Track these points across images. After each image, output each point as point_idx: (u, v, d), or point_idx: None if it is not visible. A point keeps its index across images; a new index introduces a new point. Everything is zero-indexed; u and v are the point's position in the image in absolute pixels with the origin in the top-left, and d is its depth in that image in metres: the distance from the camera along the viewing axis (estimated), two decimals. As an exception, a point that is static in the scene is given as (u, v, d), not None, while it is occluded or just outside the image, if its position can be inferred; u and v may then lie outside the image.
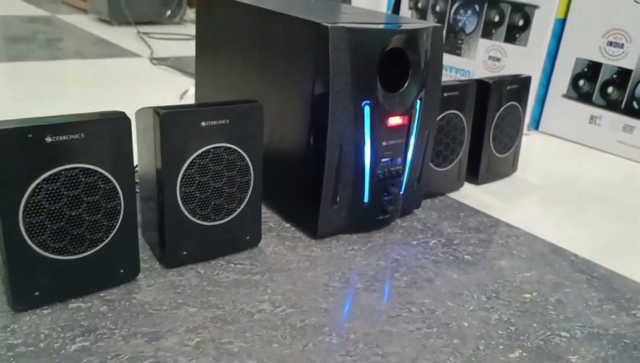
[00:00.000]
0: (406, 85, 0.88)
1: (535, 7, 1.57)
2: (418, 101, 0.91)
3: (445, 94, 1.03)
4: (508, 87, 1.16)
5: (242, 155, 0.79)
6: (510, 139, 1.21)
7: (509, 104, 1.17)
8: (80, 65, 1.86)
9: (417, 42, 0.87)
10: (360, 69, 0.82)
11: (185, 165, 0.74)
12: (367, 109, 0.85)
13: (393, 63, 0.88)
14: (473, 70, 1.72)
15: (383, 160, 0.89)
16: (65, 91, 1.54)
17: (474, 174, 1.18)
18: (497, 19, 1.66)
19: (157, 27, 2.57)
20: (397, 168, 0.92)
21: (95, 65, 1.89)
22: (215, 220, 0.79)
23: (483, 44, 1.69)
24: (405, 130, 0.90)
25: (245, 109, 0.78)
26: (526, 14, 1.59)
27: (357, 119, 0.84)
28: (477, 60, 1.71)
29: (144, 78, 1.77)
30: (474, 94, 1.10)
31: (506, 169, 1.25)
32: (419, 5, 1.89)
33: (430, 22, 0.92)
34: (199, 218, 0.77)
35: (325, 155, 0.83)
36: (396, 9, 2.00)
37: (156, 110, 0.73)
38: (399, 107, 0.88)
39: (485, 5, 1.68)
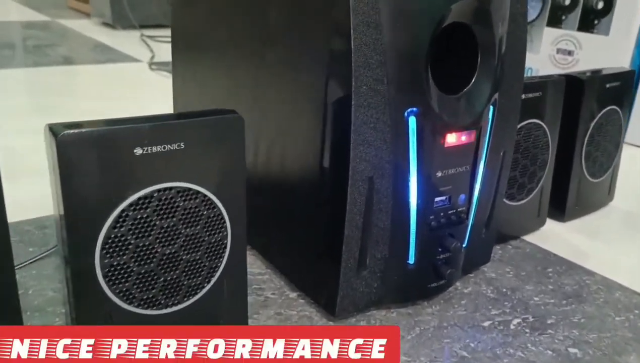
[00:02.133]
0: (473, 81, 0.56)
1: (620, -16, 1.22)
2: (491, 107, 0.59)
3: (522, 96, 0.71)
4: (607, 85, 0.82)
5: (210, 199, 0.48)
6: (607, 157, 0.88)
7: (608, 108, 0.84)
8: (62, 72, 1.59)
9: (490, 13, 0.55)
10: (401, 57, 0.51)
11: (110, 220, 0.44)
12: (412, 121, 0.53)
13: (453, 48, 0.56)
14: (537, 67, 1.38)
15: (438, 199, 0.58)
16: (13, 103, 1.27)
17: (559, 206, 0.85)
18: (567, 2, 1.32)
19: (165, 30, 2.30)
20: (459, 209, 0.60)
21: (81, 71, 1.62)
22: (168, 306, 0.48)
23: (550, 33, 1.36)
24: (471, 151, 0.58)
25: (214, 125, 0.47)
26: (607, -6, 1.25)
27: (397, 137, 0.53)
28: (542, 55, 1.37)
29: (136, 85, 1.49)
30: (561, 94, 0.77)
31: (601, 197, 0.91)
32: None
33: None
34: (138, 306, 0.47)
35: (347, 193, 0.52)
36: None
37: (53, 127, 0.42)
38: (463, 117, 0.56)
39: (553, -14, 1.34)
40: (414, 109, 0.53)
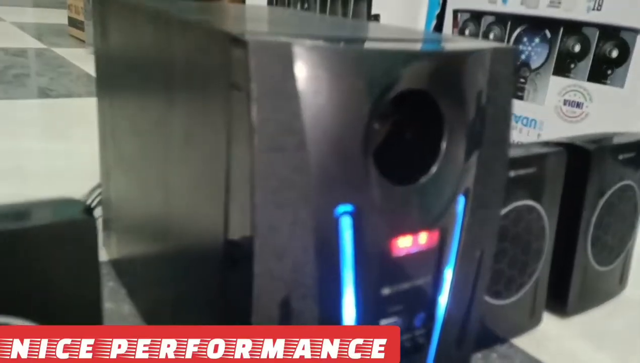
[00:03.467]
0: (436, 167, 0.42)
1: (637, 31, 1.08)
2: (461, 198, 0.44)
3: (512, 173, 0.56)
4: (620, 157, 0.68)
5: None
6: (619, 241, 0.73)
7: (620, 184, 0.69)
8: (28, 105, 1.48)
9: (459, 77, 0.41)
10: (328, 136, 0.37)
11: None
12: (345, 223, 0.38)
13: (407, 122, 0.42)
14: (541, 120, 1.24)
15: (386, 322, 0.43)
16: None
17: (560, 298, 0.70)
18: (577, 49, 1.18)
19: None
20: (417, 333, 0.45)
21: (51, 105, 1.50)
22: None
23: (557, 83, 1.21)
24: (433, 258, 0.44)
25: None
26: (623, 41, 1.11)
27: (325, 245, 0.38)
28: (547, 106, 1.23)
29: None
30: (562, 169, 0.62)
31: (610, 287, 0.76)
32: (467, 31, 1.42)
33: (489, 42, 0.45)
34: None
35: (250, 322, 0.37)
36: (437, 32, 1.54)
37: None
38: (420, 215, 0.42)
39: (561, 30, 1.20)
40: (348, 206, 0.38)
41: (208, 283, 0.43)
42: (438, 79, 0.41)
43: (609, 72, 1.13)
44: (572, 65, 1.19)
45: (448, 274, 0.45)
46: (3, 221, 0.30)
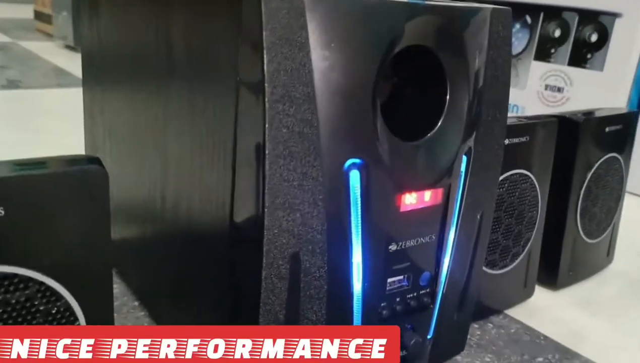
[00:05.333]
0: (440, 123, 0.42)
1: (615, 15, 1.11)
2: (464, 157, 0.45)
3: (506, 141, 0.57)
4: (607, 129, 0.69)
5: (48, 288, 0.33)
6: (607, 213, 0.74)
7: (607, 156, 0.70)
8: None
9: (460, 33, 0.42)
10: (337, 89, 0.37)
11: None
12: (354, 177, 0.38)
13: (413, 79, 0.43)
14: (523, 105, 1.26)
15: (392, 280, 0.43)
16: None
17: (550, 271, 0.71)
18: (557, 33, 1.20)
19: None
20: (422, 292, 0.45)
21: (20, 97, 1.47)
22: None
23: (538, 68, 1.23)
24: (438, 216, 0.44)
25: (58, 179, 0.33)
26: (602, 25, 1.13)
27: (334, 199, 0.38)
28: (528, 91, 1.25)
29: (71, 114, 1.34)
30: (553, 139, 0.63)
31: (599, 259, 0.77)
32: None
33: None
34: None
35: (260, 276, 0.37)
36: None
37: None
38: (426, 172, 0.42)
39: (541, 16, 1.22)
40: (357, 160, 0.38)
41: (215, 245, 0.42)
42: (440, 34, 0.41)
43: (589, 56, 1.16)
44: (553, 50, 1.21)
45: (451, 234, 0.46)
46: (21, 169, 0.30)
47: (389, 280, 0.43)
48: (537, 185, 0.62)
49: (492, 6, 0.45)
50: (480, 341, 0.59)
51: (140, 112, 0.52)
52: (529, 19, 1.24)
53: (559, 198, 0.67)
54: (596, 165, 0.69)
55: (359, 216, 0.39)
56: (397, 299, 0.43)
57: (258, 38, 0.34)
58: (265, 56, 0.34)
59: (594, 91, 1.15)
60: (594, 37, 1.15)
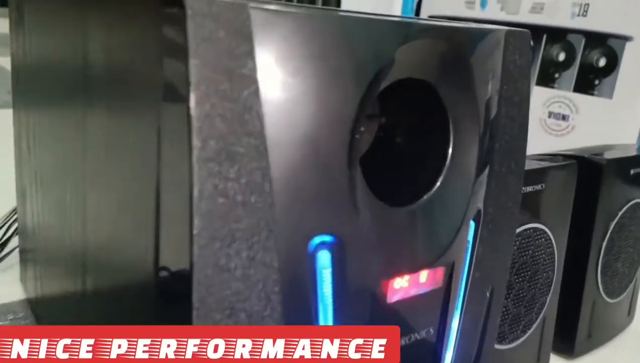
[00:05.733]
0: (440, 182, 0.31)
1: (626, 38, 1.02)
2: (471, 223, 0.34)
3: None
4: (632, 171, 0.59)
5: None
6: (629, 267, 0.64)
7: (632, 202, 0.60)
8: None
9: (469, 61, 0.32)
10: (301, 138, 0.26)
11: None
12: (323, 260, 0.28)
13: (402, 122, 0.32)
14: (524, 134, 1.16)
15: (375, 390, 0.32)
16: None
17: (567, 338, 0.60)
18: (562, 57, 1.11)
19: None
20: (415, 401, 0.34)
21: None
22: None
23: (540, 94, 1.13)
24: (436, 303, 0.33)
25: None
26: (610, 49, 1.04)
27: (295, 292, 0.28)
28: (530, 119, 1.14)
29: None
30: (572, 186, 0.53)
31: (619, 320, 0.67)
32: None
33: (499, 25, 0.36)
34: None
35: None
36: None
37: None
38: (421, 248, 0.31)
39: (544, 38, 1.13)
40: (327, 237, 0.28)
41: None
42: (442, 64, 0.31)
43: (596, 82, 1.06)
44: (557, 75, 1.11)
45: (454, 323, 0.35)
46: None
47: (373, 391, 0.32)
48: (553, 241, 0.52)
49: (507, 28, 0.35)
50: None
51: (61, 152, 0.42)
52: (530, 41, 1.14)
53: (578, 254, 0.57)
54: (620, 213, 0.58)
55: (331, 313, 0.28)
56: (383, 415, 0.32)
57: (182, 69, 0.23)
58: (192, 95, 0.23)
59: (602, 120, 1.05)
60: (602, 62, 1.05)
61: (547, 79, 1.12)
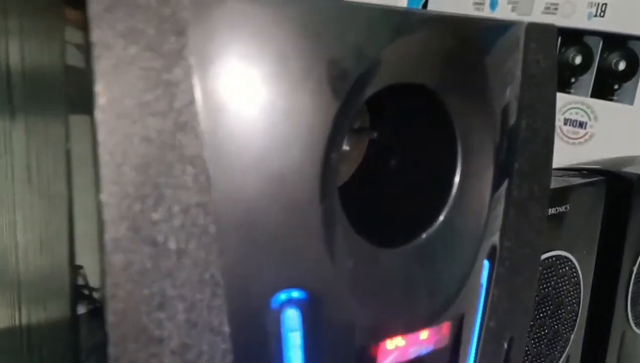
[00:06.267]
0: (444, 214, 0.25)
1: (648, 39, 0.95)
2: (485, 263, 0.27)
3: (538, 213, 0.40)
4: (666, 187, 0.52)
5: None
6: (662, 295, 0.56)
7: (666, 222, 0.53)
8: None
9: (481, 62, 0.25)
10: (259, 159, 0.20)
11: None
12: (290, 321, 0.21)
13: (396, 138, 0.26)
14: (538, 142, 1.09)
15: None
16: None
17: (592, 376, 0.53)
18: (578, 60, 1.04)
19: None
20: None
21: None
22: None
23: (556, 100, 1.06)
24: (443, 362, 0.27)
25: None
26: (630, 52, 0.97)
27: (254, 356, 0.21)
28: (544, 127, 1.08)
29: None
30: (600, 206, 0.46)
31: (650, 353, 0.59)
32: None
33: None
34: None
35: None
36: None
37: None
38: (421, 302, 0.24)
39: (559, 40, 1.06)
40: (295, 292, 0.21)
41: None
42: (446, 65, 0.24)
43: (616, 87, 0.99)
44: (573, 80, 1.04)
45: (465, 384, 0.28)
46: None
47: None
48: (579, 269, 0.45)
49: (528, 21, 0.28)
50: None
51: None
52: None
53: (604, 281, 0.50)
54: (653, 235, 0.51)
55: (302, 388, 0.22)
56: None
57: (87, 75, 0.17)
58: (97, 108, 0.17)
59: (622, 128, 0.98)
60: (621, 65, 0.98)
61: (562, 84, 1.05)
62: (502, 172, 0.27)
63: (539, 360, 0.45)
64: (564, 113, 1.05)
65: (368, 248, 0.22)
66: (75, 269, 0.21)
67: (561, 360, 0.47)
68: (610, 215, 0.48)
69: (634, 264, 0.51)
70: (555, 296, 0.44)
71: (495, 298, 0.29)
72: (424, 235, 0.24)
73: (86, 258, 0.20)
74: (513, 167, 0.28)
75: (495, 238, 0.28)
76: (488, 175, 0.26)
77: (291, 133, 0.20)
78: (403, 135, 0.26)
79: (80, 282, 0.21)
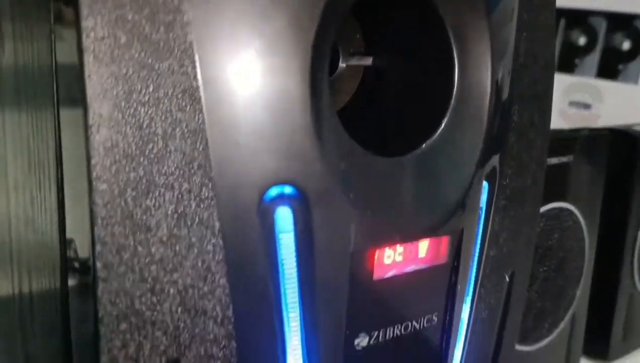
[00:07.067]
0: (442, 126, 0.24)
1: (653, 17, 0.94)
2: (485, 184, 0.27)
3: (541, 161, 0.39)
4: (672, 146, 0.51)
5: None
6: (670, 259, 0.56)
7: (673, 182, 0.52)
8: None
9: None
10: (246, 47, 0.19)
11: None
12: (282, 219, 0.21)
13: (393, 45, 0.25)
14: (543, 125, 1.08)
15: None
16: None
17: (599, 340, 0.52)
18: (583, 41, 1.03)
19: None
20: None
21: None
22: None
23: (560, 81, 1.05)
24: (440, 284, 0.26)
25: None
26: (636, 31, 0.96)
27: (245, 261, 0.20)
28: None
29: None
30: (604, 159, 0.45)
31: (658, 320, 0.58)
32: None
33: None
34: None
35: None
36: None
37: None
38: (419, 210, 0.24)
39: (562, 21, 1.05)
40: (288, 188, 0.21)
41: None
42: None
43: (621, 66, 0.98)
44: (577, 61, 1.04)
45: (464, 312, 0.28)
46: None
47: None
48: (583, 224, 0.44)
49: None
50: None
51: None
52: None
53: (611, 241, 0.49)
54: (659, 194, 0.50)
55: (296, 293, 0.21)
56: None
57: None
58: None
59: (628, 108, 0.97)
60: (626, 45, 0.98)
61: (567, 66, 1.04)
62: (502, 93, 0.27)
63: (543, 317, 0.44)
64: (568, 95, 1.04)
65: (362, 153, 0.22)
66: (66, 243, 0.21)
67: (566, 318, 0.46)
68: (615, 172, 0.47)
69: (638, 228, 0.50)
70: (559, 250, 0.43)
71: (496, 226, 0.28)
72: (424, 145, 0.23)
73: (77, 234, 0.20)
74: (513, 90, 0.27)
75: (494, 161, 0.27)
76: (486, 90, 0.25)
77: (280, 23, 0.19)
78: (397, 50, 0.26)
79: (72, 255, 0.21)
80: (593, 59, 1.01)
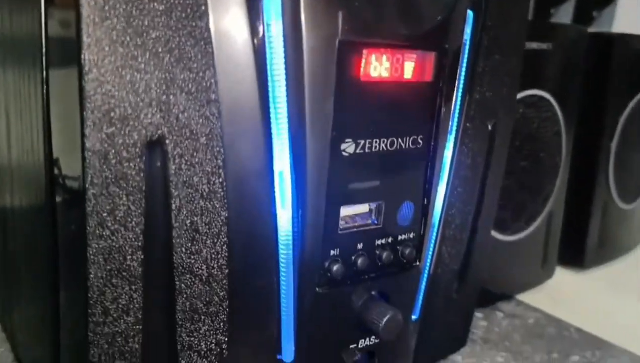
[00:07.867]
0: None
1: (626, -37, 0.95)
2: (469, 13, 0.27)
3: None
4: (647, 51, 0.52)
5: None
6: (645, 168, 0.57)
7: (647, 89, 0.53)
8: None
9: None
10: None
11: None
12: (271, 4, 0.20)
13: None
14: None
15: (349, 211, 0.25)
16: None
17: (575, 247, 0.53)
18: (558, -10, 1.04)
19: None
20: (401, 238, 0.27)
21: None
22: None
23: (536, 32, 1.06)
24: (426, 104, 0.26)
25: None
26: (609, -23, 0.97)
27: (230, 54, 0.20)
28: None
29: None
30: (581, 54, 0.46)
31: (634, 230, 0.59)
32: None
33: None
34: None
35: (84, 211, 0.19)
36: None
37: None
38: (405, 21, 0.24)
39: (538, -29, 1.06)
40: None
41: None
42: None
43: (594, 14, 0.99)
44: (552, 10, 1.04)
45: (449, 142, 0.28)
46: None
47: (343, 211, 0.24)
48: (560, 117, 0.45)
49: None
50: (488, 335, 0.41)
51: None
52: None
53: (587, 147, 0.50)
54: (635, 99, 0.51)
55: (284, 84, 0.21)
56: (359, 246, 0.25)
57: None
58: None
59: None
60: (600, -8, 0.99)
61: (541, 15, 1.05)
62: None
63: (521, 209, 0.44)
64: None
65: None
66: (52, 160, 0.21)
67: (543, 213, 0.46)
68: (592, 74, 0.48)
69: (613, 133, 0.51)
70: (536, 140, 0.43)
71: (480, 67, 0.28)
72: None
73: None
74: None
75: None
76: None
77: None
78: None
79: (56, 172, 0.21)
80: (568, 7, 1.02)
